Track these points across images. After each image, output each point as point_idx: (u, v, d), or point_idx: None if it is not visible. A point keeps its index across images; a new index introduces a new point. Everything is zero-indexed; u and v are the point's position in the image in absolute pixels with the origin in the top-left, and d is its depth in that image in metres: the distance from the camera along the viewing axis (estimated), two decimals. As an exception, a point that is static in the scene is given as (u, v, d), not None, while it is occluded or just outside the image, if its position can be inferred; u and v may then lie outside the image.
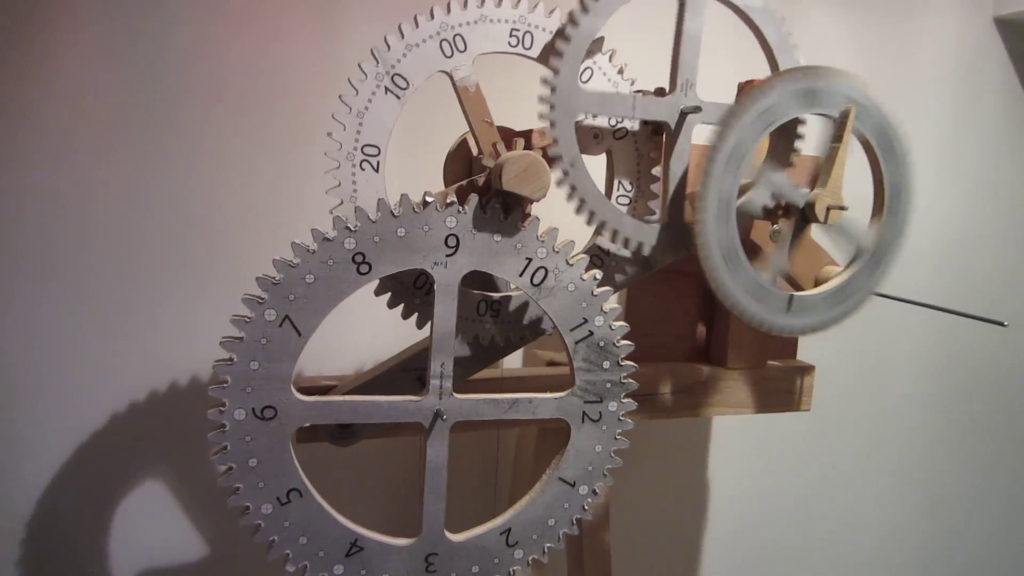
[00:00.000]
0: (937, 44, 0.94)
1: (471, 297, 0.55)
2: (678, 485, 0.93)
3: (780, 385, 0.71)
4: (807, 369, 0.72)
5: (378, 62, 0.52)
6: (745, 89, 0.62)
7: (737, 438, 0.95)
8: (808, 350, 0.73)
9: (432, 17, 0.53)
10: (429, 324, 0.55)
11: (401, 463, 0.79)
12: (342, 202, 0.53)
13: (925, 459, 1.07)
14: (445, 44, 0.53)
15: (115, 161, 0.68)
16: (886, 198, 0.57)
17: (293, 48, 0.71)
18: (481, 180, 0.54)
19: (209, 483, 0.74)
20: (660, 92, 0.57)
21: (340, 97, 0.52)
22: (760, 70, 0.59)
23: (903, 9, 0.93)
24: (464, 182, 0.55)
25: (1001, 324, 0.55)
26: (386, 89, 0.52)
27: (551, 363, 0.71)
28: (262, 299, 0.47)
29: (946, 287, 1.01)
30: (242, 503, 0.49)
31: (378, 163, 0.53)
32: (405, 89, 0.53)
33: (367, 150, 0.53)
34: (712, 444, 0.94)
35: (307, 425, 0.50)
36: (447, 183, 0.60)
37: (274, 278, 0.47)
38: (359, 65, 0.52)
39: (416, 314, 0.56)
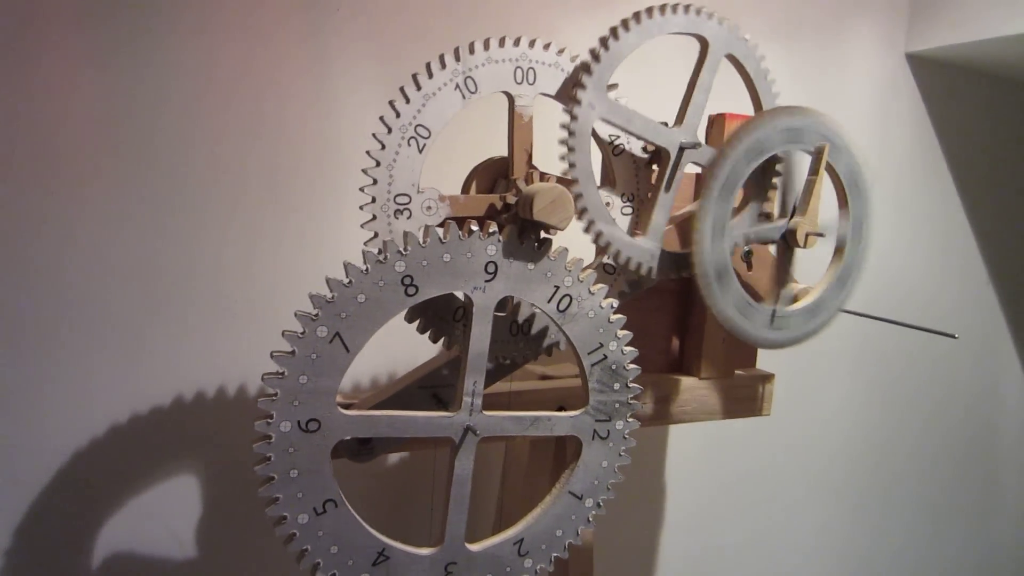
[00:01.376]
0: (854, 76, 1.03)
1: (503, 319, 0.59)
2: (631, 487, 0.98)
3: (745, 392, 0.78)
4: (768, 377, 0.79)
5: (419, 87, 0.55)
6: (717, 122, 0.69)
7: (688, 443, 1.01)
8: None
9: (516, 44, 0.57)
10: (443, 341, 0.59)
11: (398, 476, 0.81)
12: (376, 234, 0.56)
13: (850, 462, 1.16)
14: (519, 71, 0.57)
15: (98, 176, 0.67)
16: (852, 224, 0.65)
17: (282, 59, 0.73)
18: (506, 202, 0.58)
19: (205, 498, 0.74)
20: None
21: (368, 152, 0.55)
22: (724, 104, 0.65)
23: (826, 41, 1.00)
24: (497, 203, 0.58)
25: (952, 336, 0.64)
26: (411, 140, 0.55)
27: (543, 377, 0.75)
28: (315, 316, 0.49)
29: (876, 304, 1.12)
30: (280, 513, 0.50)
31: (410, 211, 0.56)
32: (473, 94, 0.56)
33: (399, 199, 0.56)
34: (669, 448, 1.00)
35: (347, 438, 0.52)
36: (469, 191, 0.64)
37: (328, 296, 0.49)
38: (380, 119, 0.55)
39: (443, 336, 0.59)
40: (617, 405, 0.59)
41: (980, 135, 1.16)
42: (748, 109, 0.65)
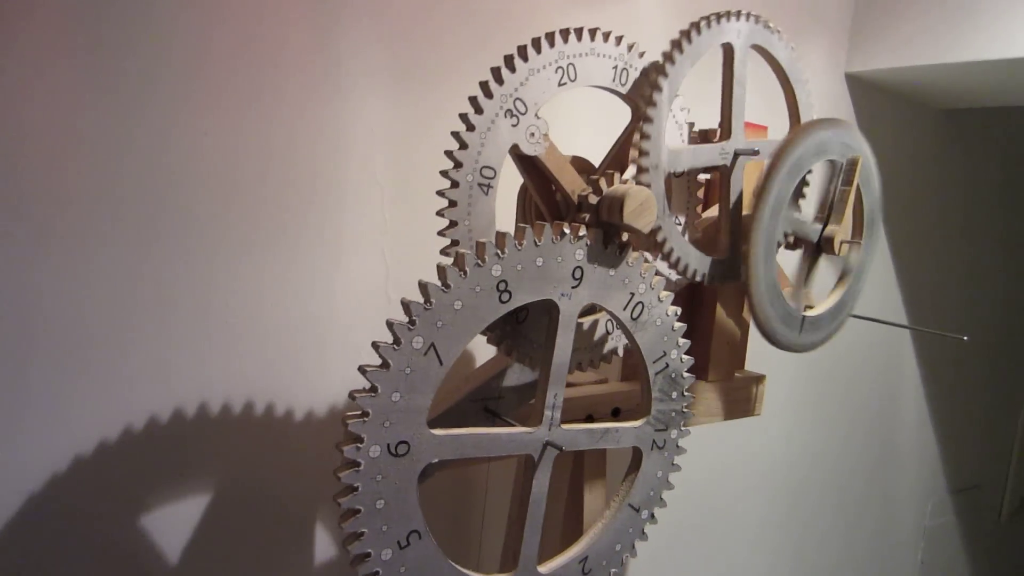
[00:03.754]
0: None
1: (580, 326, 0.56)
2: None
3: (742, 394, 0.79)
4: (760, 378, 0.81)
5: (503, 83, 0.51)
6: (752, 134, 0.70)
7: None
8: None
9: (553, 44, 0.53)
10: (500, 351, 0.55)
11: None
12: (452, 223, 0.51)
13: (787, 464, 1.23)
14: (560, 71, 0.54)
15: (77, 174, 0.56)
16: (864, 227, 0.68)
17: (287, 37, 0.64)
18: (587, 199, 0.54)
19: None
20: (704, 134, 0.63)
21: (462, 116, 0.50)
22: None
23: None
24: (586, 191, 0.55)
25: (962, 339, 0.69)
26: (508, 112, 0.51)
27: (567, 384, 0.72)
28: (412, 324, 0.43)
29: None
30: (364, 550, 0.44)
31: (492, 187, 0.52)
32: (524, 114, 0.52)
33: (485, 172, 0.51)
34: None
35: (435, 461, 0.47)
36: (526, 214, 0.60)
37: (426, 303, 0.44)
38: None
39: (512, 347, 0.55)
40: (674, 414, 0.58)
41: (903, 157, 1.27)
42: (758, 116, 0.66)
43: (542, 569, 0.53)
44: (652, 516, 0.59)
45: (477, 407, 0.57)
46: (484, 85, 0.51)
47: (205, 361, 0.63)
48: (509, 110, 0.51)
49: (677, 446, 0.59)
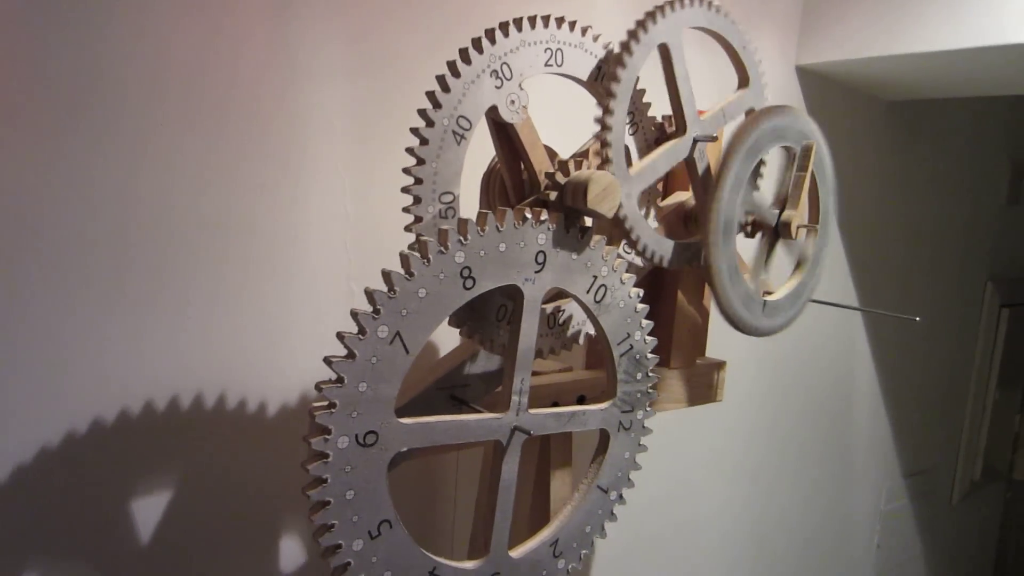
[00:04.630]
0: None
1: (543, 311, 0.56)
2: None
3: (703, 380, 0.81)
4: (721, 364, 0.82)
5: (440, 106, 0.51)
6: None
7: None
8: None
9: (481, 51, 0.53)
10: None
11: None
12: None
13: (746, 443, 1.26)
14: (550, 52, 0.54)
15: (52, 162, 0.55)
16: (820, 215, 0.70)
17: (244, 43, 0.64)
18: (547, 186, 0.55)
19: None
20: (660, 126, 0.64)
21: (410, 150, 0.50)
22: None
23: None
24: (527, 201, 0.55)
25: (914, 320, 0.71)
26: (494, 73, 0.52)
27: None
28: (376, 313, 0.43)
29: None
30: (334, 541, 0.44)
31: (454, 211, 0.52)
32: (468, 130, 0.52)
33: (444, 198, 0.51)
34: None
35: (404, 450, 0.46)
36: (491, 201, 0.60)
37: (389, 291, 0.44)
38: (420, 112, 0.51)
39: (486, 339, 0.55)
40: (639, 395, 0.59)
41: (851, 147, 1.30)
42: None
43: (513, 554, 0.54)
44: (621, 497, 0.60)
45: (444, 395, 0.57)
46: (476, 41, 0.51)
47: (161, 361, 0.61)
48: (496, 71, 0.52)
49: (643, 427, 0.60)
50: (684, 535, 1.16)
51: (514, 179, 0.56)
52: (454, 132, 0.51)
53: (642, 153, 0.61)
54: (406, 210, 0.51)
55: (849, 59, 1.06)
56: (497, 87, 0.52)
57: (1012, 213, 1.88)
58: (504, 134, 0.55)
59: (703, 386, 0.81)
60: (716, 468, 1.19)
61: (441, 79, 0.51)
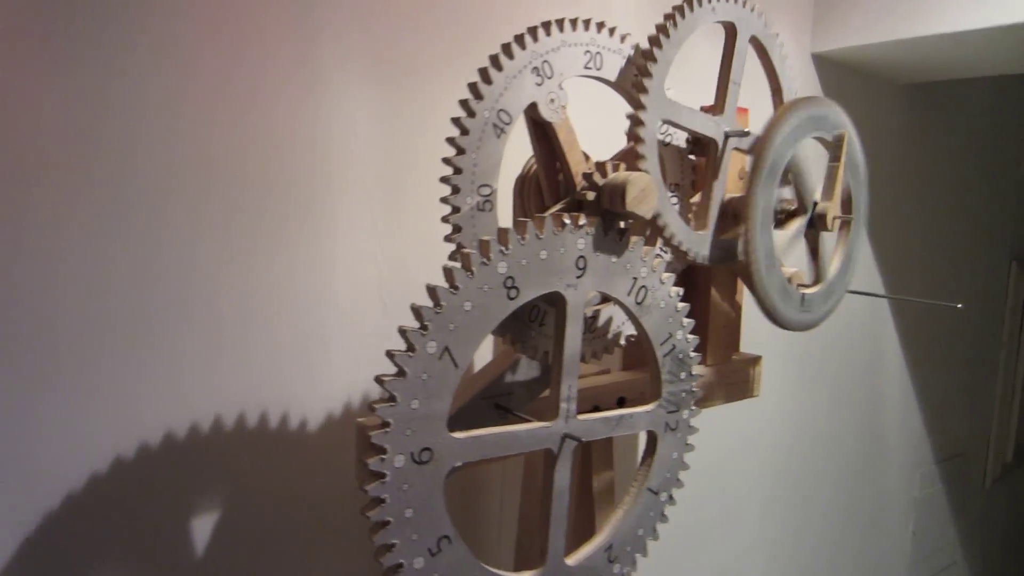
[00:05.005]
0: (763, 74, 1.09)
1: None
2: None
3: (739, 376, 0.80)
4: (756, 360, 0.81)
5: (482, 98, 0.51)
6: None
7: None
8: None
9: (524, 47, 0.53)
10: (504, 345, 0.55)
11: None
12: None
13: (785, 441, 1.25)
14: (589, 56, 0.55)
15: (75, 191, 0.55)
16: (853, 208, 0.70)
17: (264, 39, 0.63)
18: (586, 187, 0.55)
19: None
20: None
21: (450, 140, 0.50)
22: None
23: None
24: (556, 207, 0.55)
25: (955, 306, 0.70)
26: (535, 70, 0.52)
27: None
28: (424, 329, 0.43)
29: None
30: (396, 561, 0.44)
31: (491, 204, 0.52)
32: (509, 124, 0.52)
33: (482, 190, 0.51)
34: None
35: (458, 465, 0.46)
36: (524, 209, 0.60)
37: (436, 306, 0.43)
38: (462, 103, 0.51)
39: (526, 345, 0.55)
40: (683, 394, 0.59)
41: (870, 133, 1.28)
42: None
43: (569, 561, 0.53)
44: (671, 498, 0.59)
45: (488, 405, 0.57)
46: (519, 37, 0.52)
47: (195, 377, 0.61)
48: (537, 68, 0.52)
49: (689, 426, 0.59)
50: (721, 527, 1.15)
51: (550, 180, 0.56)
52: (494, 125, 0.51)
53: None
54: (444, 200, 0.51)
55: (865, 44, 1.05)
56: (538, 84, 0.53)
57: (1033, 192, 1.86)
58: (542, 133, 0.55)
59: (740, 382, 0.80)
60: (750, 461, 1.18)
61: (484, 71, 0.51)
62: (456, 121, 0.51)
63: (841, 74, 1.18)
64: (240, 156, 0.62)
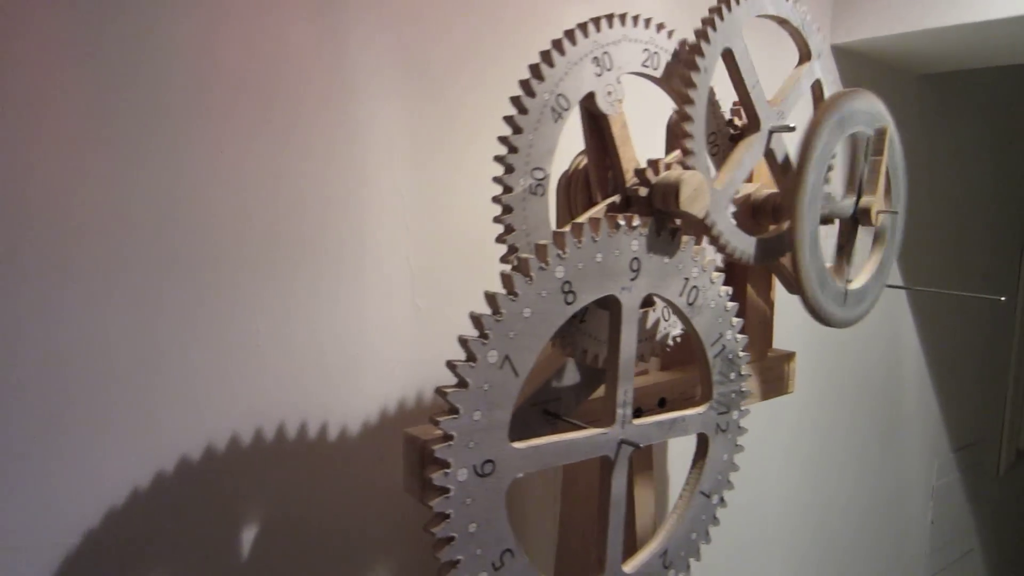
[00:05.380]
0: (789, 66, 1.08)
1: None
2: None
3: (775, 373, 0.79)
4: (791, 356, 0.80)
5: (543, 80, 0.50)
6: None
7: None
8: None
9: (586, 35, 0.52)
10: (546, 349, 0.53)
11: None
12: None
13: (809, 434, 1.24)
14: (647, 53, 0.54)
15: (90, 182, 0.53)
16: (893, 194, 0.68)
17: (292, 45, 0.62)
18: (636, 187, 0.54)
19: None
20: (730, 121, 0.62)
21: (508, 118, 0.49)
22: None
23: (755, 29, 1.04)
24: (605, 202, 0.54)
25: (999, 300, 0.69)
26: (595, 60, 0.51)
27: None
28: (485, 338, 0.42)
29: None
30: (460, 577, 0.42)
31: (543, 188, 0.50)
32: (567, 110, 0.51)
33: (535, 173, 0.50)
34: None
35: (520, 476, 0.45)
36: (571, 206, 0.59)
37: (495, 314, 0.42)
38: (522, 83, 0.50)
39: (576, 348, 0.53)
40: (733, 395, 0.57)
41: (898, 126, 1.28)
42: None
43: (627, 568, 0.52)
44: (722, 500, 0.58)
45: (537, 411, 0.55)
46: (583, 24, 0.51)
47: (235, 389, 0.60)
48: (597, 58, 0.51)
49: (739, 427, 0.58)
50: (741, 518, 1.14)
51: (600, 174, 0.55)
52: (552, 108, 0.50)
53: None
54: (497, 180, 0.49)
55: (883, 35, 1.04)
56: (597, 74, 0.52)
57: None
58: (596, 126, 0.54)
59: (775, 379, 0.79)
60: (768, 453, 1.17)
61: (546, 54, 0.50)
62: (515, 100, 0.50)
63: (859, 65, 1.16)
64: (259, 171, 0.61)
